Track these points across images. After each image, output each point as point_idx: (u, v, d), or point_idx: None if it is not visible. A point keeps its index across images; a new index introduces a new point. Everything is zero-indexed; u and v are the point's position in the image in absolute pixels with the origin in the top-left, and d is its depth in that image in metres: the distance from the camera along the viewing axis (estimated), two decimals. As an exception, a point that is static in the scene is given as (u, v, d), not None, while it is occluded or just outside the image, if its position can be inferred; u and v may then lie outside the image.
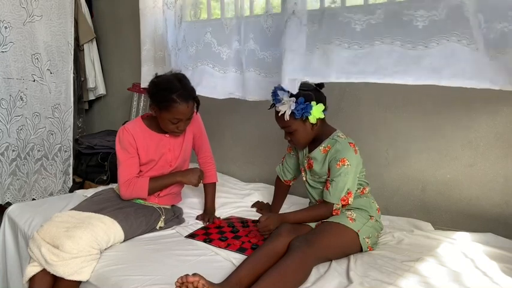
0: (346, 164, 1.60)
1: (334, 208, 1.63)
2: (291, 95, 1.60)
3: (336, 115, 2.15)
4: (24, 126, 2.73)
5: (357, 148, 1.66)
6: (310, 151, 1.74)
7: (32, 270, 1.49)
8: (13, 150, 2.68)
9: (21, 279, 1.86)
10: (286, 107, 1.60)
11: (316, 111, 1.61)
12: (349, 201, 1.62)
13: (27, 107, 2.72)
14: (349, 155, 1.61)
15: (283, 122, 1.64)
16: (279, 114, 1.63)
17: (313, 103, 1.60)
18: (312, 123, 1.64)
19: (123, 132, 1.78)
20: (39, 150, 2.84)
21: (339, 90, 2.16)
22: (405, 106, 1.99)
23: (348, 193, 1.62)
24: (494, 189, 1.81)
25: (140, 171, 1.84)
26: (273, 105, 1.68)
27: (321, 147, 1.69)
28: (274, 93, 1.65)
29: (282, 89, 1.62)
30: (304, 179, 1.81)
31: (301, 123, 1.63)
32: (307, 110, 1.59)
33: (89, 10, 3.40)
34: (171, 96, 1.65)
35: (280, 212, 1.93)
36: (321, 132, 1.70)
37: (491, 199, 1.82)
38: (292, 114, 1.60)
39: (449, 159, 1.90)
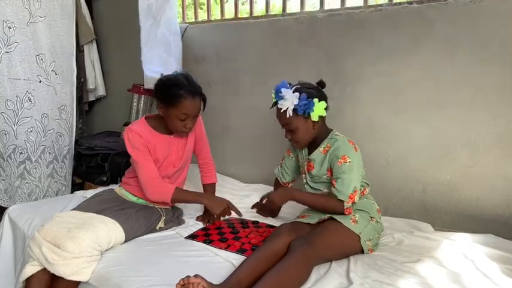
0: (347, 160, 1.60)
1: (345, 207, 1.59)
2: (294, 91, 1.60)
3: (335, 116, 2.15)
4: (34, 128, 2.69)
5: (356, 146, 1.66)
6: (309, 153, 1.74)
7: (30, 269, 1.49)
8: (20, 153, 2.65)
9: (13, 280, 1.86)
10: (289, 103, 1.59)
11: (319, 109, 1.61)
12: (356, 200, 1.60)
13: (35, 108, 2.67)
14: (349, 152, 1.61)
15: (285, 119, 1.64)
16: (281, 111, 1.63)
17: (316, 100, 1.60)
18: (313, 121, 1.63)
19: (131, 133, 1.75)
20: (50, 153, 2.80)
21: (339, 92, 2.16)
22: (405, 107, 1.99)
23: (355, 191, 1.60)
24: (494, 190, 1.81)
25: None
26: (275, 104, 1.68)
27: (320, 148, 1.69)
28: (277, 91, 1.64)
29: (285, 86, 1.62)
30: (304, 181, 1.81)
31: (303, 121, 1.63)
32: (309, 106, 1.59)
33: (89, 11, 3.40)
34: (178, 92, 1.67)
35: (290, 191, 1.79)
36: (320, 134, 1.70)
37: (492, 200, 1.82)
38: (295, 110, 1.60)
39: (449, 160, 1.90)
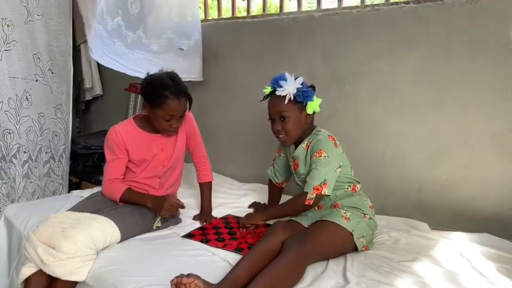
0: (323, 155, 1.59)
1: (307, 198, 1.59)
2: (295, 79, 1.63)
3: (332, 116, 2.16)
4: (32, 128, 2.67)
5: (337, 142, 1.66)
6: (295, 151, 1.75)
7: (27, 271, 1.48)
8: (24, 152, 2.64)
9: (7, 280, 1.85)
10: (291, 88, 1.60)
11: (316, 102, 1.64)
12: (323, 192, 1.58)
13: (32, 107, 2.65)
14: (327, 147, 1.61)
15: (281, 106, 1.62)
16: (281, 95, 1.61)
17: (314, 93, 1.64)
18: (306, 114, 1.64)
19: (111, 133, 1.79)
20: (46, 152, 2.78)
21: (336, 91, 2.17)
22: (401, 107, 1.99)
23: (324, 183, 1.58)
24: (490, 190, 1.82)
25: (134, 172, 1.84)
26: (268, 95, 1.69)
27: (303, 145, 1.70)
28: (277, 80, 1.64)
29: (285, 75, 1.63)
30: (296, 180, 1.82)
31: (297, 111, 1.63)
32: (309, 94, 1.61)
33: (86, 10, 3.39)
34: (163, 93, 1.67)
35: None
36: (306, 131, 1.71)
37: (487, 199, 1.83)
38: (294, 98, 1.60)
39: (446, 159, 1.91)
